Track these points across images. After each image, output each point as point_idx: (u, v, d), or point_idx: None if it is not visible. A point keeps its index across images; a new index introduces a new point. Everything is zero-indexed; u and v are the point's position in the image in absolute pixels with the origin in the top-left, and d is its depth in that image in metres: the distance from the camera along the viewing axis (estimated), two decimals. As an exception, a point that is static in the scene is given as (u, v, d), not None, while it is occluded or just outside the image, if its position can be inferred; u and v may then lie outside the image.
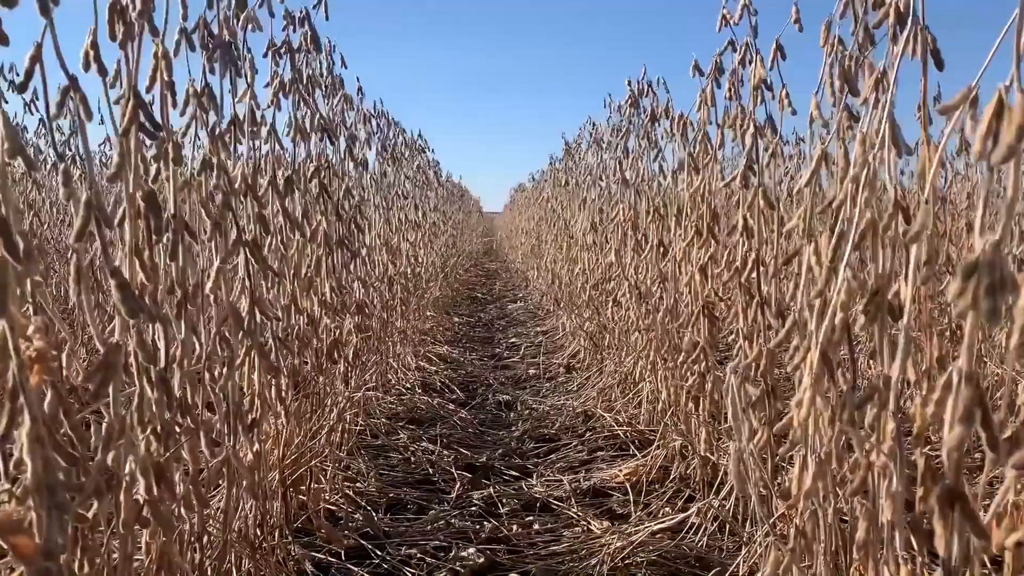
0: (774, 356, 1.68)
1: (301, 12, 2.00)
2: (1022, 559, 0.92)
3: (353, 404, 2.65)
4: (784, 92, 1.67)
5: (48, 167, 4.07)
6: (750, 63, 1.80)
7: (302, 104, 2.10)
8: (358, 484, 2.40)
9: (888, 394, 0.99)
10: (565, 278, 5.07)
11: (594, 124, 4.26)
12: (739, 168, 1.80)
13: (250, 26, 1.56)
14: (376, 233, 3.61)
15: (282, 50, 1.93)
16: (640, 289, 2.88)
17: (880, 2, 1.12)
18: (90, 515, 0.93)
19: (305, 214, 2.18)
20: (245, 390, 1.67)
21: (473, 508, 2.31)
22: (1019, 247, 2.33)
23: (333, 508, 2.22)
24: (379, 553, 1.97)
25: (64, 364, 0.91)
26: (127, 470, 1.01)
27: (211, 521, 1.50)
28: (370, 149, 3.41)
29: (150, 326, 1.09)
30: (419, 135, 5.62)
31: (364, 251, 3.02)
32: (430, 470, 2.62)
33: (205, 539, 1.39)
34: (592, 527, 2.12)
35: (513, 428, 3.17)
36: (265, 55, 1.89)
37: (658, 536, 2.00)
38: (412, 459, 2.73)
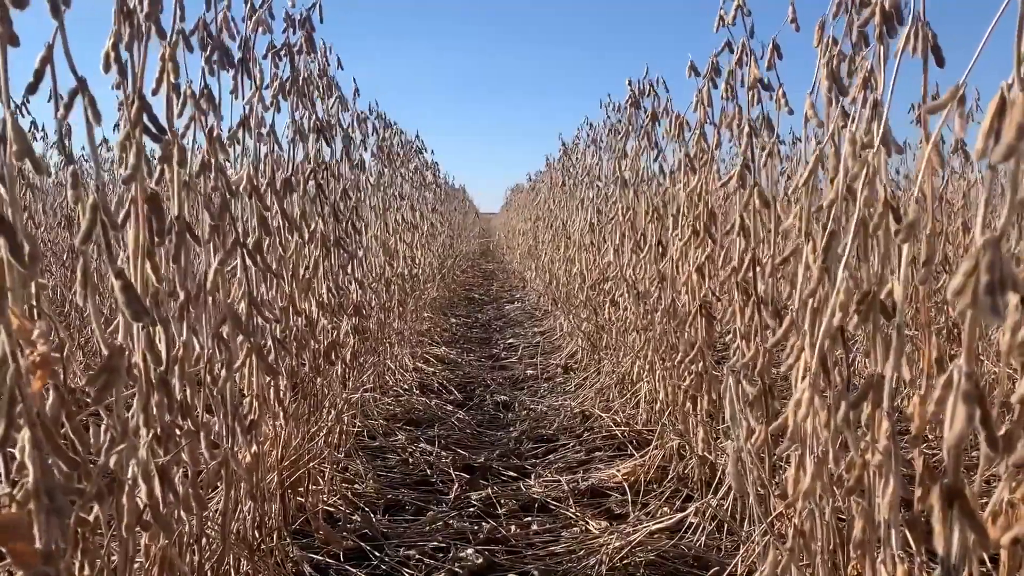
0: (771, 355, 1.68)
1: (302, 14, 2.00)
2: (1018, 557, 0.92)
3: (351, 405, 2.65)
4: (781, 92, 1.68)
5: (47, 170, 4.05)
6: (747, 64, 1.81)
7: (300, 105, 2.10)
8: (356, 485, 2.40)
9: (882, 393, 1.00)
10: (562, 278, 5.08)
11: (591, 125, 4.27)
12: (735, 168, 1.81)
13: (260, 28, 1.56)
14: (373, 234, 3.61)
15: (282, 52, 1.94)
16: (638, 289, 2.88)
17: (867, 1, 1.12)
18: (91, 518, 0.93)
19: (303, 215, 2.18)
20: (244, 392, 1.67)
21: (471, 509, 2.31)
22: (1018, 246, 2.34)
23: (331, 509, 2.22)
24: (377, 554, 1.97)
25: (63, 366, 0.91)
26: (129, 474, 1.01)
27: (210, 523, 1.50)
28: (366, 150, 3.41)
29: (151, 329, 1.09)
30: (416, 136, 5.62)
31: (361, 252, 3.02)
32: (428, 471, 2.62)
33: (204, 541, 1.39)
34: (590, 527, 2.13)
35: (511, 429, 3.17)
36: (265, 56, 1.89)
37: (656, 536, 2.01)
38: (410, 460, 2.73)
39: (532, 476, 2.58)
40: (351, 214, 2.65)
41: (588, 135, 4.37)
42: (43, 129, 3.86)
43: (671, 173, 2.59)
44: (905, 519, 0.98)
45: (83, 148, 3.91)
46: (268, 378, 1.78)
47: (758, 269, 1.80)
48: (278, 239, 1.94)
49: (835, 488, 1.16)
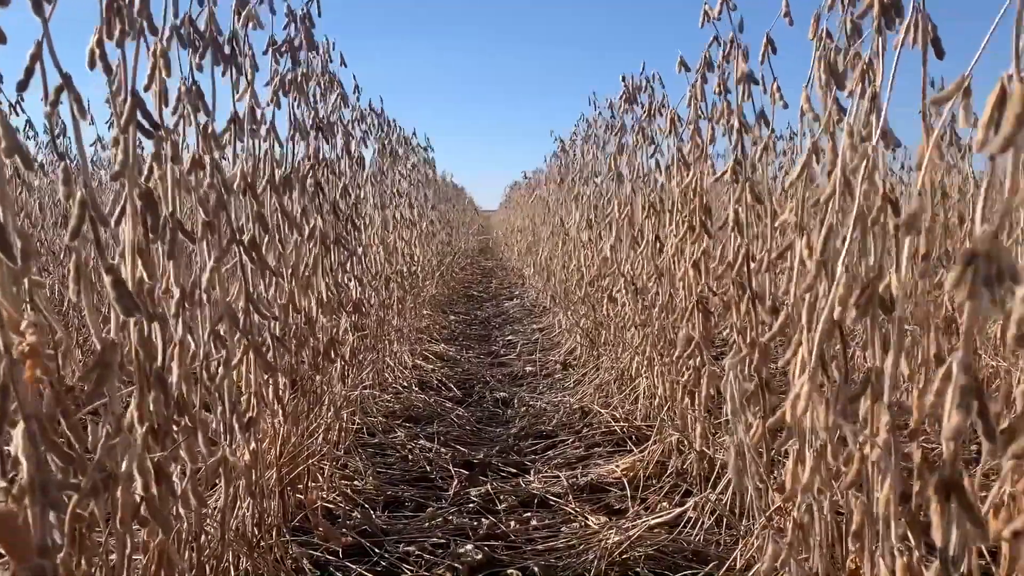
0: (767, 350, 1.68)
1: (302, 10, 1.99)
2: (1018, 549, 0.92)
3: (350, 402, 2.65)
4: (776, 86, 1.67)
5: (37, 167, 4.04)
6: (734, 58, 1.80)
7: (301, 102, 2.10)
8: (356, 482, 2.40)
9: (881, 387, 1.00)
10: (561, 275, 5.08)
11: (588, 122, 4.27)
12: (728, 163, 1.80)
13: (251, 24, 1.55)
14: (372, 231, 3.61)
15: (282, 48, 1.93)
16: (636, 285, 2.88)
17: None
18: (87, 514, 0.93)
19: (303, 212, 2.18)
20: (242, 389, 1.67)
21: (471, 505, 2.31)
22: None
23: (331, 506, 2.22)
24: (377, 551, 1.97)
25: (60, 364, 0.90)
26: (123, 469, 1.01)
27: (209, 520, 1.49)
28: (366, 147, 3.41)
29: (147, 325, 1.09)
30: (413, 133, 5.62)
31: (360, 249, 3.02)
32: (428, 468, 2.62)
33: (203, 538, 1.39)
34: (590, 522, 2.13)
35: (510, 425, 3.17)
36: (265, 52, 1.88)
37: (655, 531, 2.01)
38: (409, 457, 2.73)
39: (531, 472, 2.58)
40: (351, 211, 2.65)
41: (585, 132, 4.36)
42: (38, 127, 3.85)
43: (667, 169, 2.58)
44: (903, 512, 0.98)
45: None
46: (266, 375, 1.77)
47: (752, 264, 1.80)
48: (277, 236, 1.94)
49: (833, 482, 1.16)
